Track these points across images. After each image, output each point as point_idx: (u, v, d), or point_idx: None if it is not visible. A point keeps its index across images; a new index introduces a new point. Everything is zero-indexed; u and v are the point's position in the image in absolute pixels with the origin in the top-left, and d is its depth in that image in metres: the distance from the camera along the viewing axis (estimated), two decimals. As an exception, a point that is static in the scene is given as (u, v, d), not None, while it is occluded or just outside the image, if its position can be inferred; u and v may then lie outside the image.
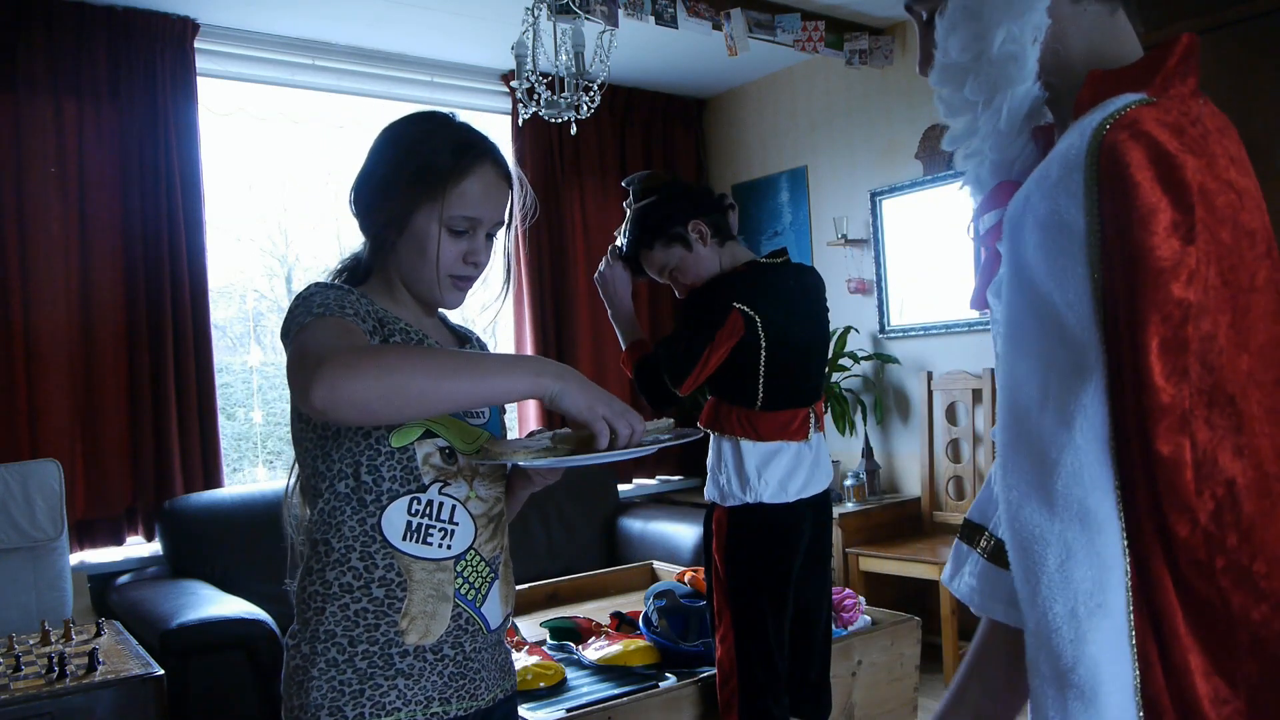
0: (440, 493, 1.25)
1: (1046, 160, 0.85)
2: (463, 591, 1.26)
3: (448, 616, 1.25)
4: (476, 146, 1.32)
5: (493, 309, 1.48)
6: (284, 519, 1.39)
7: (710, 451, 2.33)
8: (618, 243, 2.39)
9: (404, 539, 1.23)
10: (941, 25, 0.96)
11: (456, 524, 1.26)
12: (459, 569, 1.26)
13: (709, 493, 2.33)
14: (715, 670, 2.34)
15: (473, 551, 1.28)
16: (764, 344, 2.23)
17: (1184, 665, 0.78)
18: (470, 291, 1.38)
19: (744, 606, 2.25)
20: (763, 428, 2.26)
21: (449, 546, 1.25)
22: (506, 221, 1.38)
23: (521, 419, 4.56)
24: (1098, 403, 0.79)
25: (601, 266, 2.38)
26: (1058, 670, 0.78)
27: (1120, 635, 0.78)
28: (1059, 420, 0.80)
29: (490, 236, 1.35)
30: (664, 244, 2.32)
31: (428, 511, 1.24)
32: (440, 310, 1.42)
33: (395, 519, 1.23)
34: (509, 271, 1.44)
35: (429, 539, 1.24)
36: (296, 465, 1.36)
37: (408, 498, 1.23)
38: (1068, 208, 0.80)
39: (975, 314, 3.99)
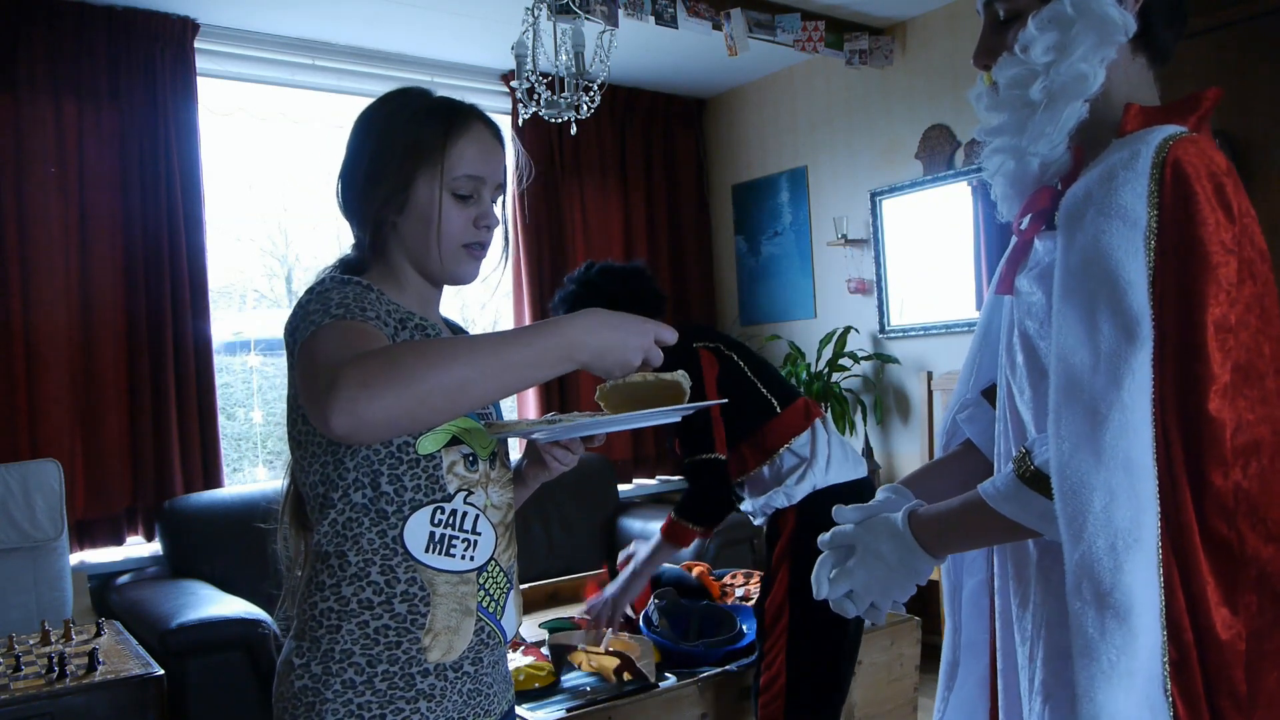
0: (465, 502, 1.19)
1: (1107, 166, 1.00)
2: (484, 604, 1.20)
3: (470, 631, 1.19)
4: (462, 108, 1.26)
5: (493, 278, 1.37)
6: (278, 546, 1.29)
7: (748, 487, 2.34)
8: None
9: (426, 551, 1.16)
10: (1033, 25, 1.08)
11: (479, 534, 1.20)
12: (481, 581, 1.20)
13: (757, 514, 2.31)
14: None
15: (493, 562, 1.22)
16: (736, 356, 2.29)
17: (1201, 594, 0.93)
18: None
19: (809, 609, 2.14)
20: (792, 422, 2.27)
21: (472, 558, 1.19)
22: (505, 185, 1.30)
23: (521, 414, 4.57)
24: (1146, 368, 0.93)
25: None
26: (1098, 594, 0.91)
27: (1151, 566, 0.92)
28: (1110, 381, 0.93)
29: (493, 200, 1.28)
30: None
31: (451, 521, 1.18)
32: (439, 304, 1.33)
33: (418, 530, 1.16)
34: (508, 239, 1.35)
35: (452, 550, 1.17)
36: (292, 479, 1.27)
37: (431, 507, 1.16)
38: (1133, 204, 0.96)
39: (975, 314, 3.99)
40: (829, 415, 2.45)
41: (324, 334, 1.06)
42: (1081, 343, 0.96)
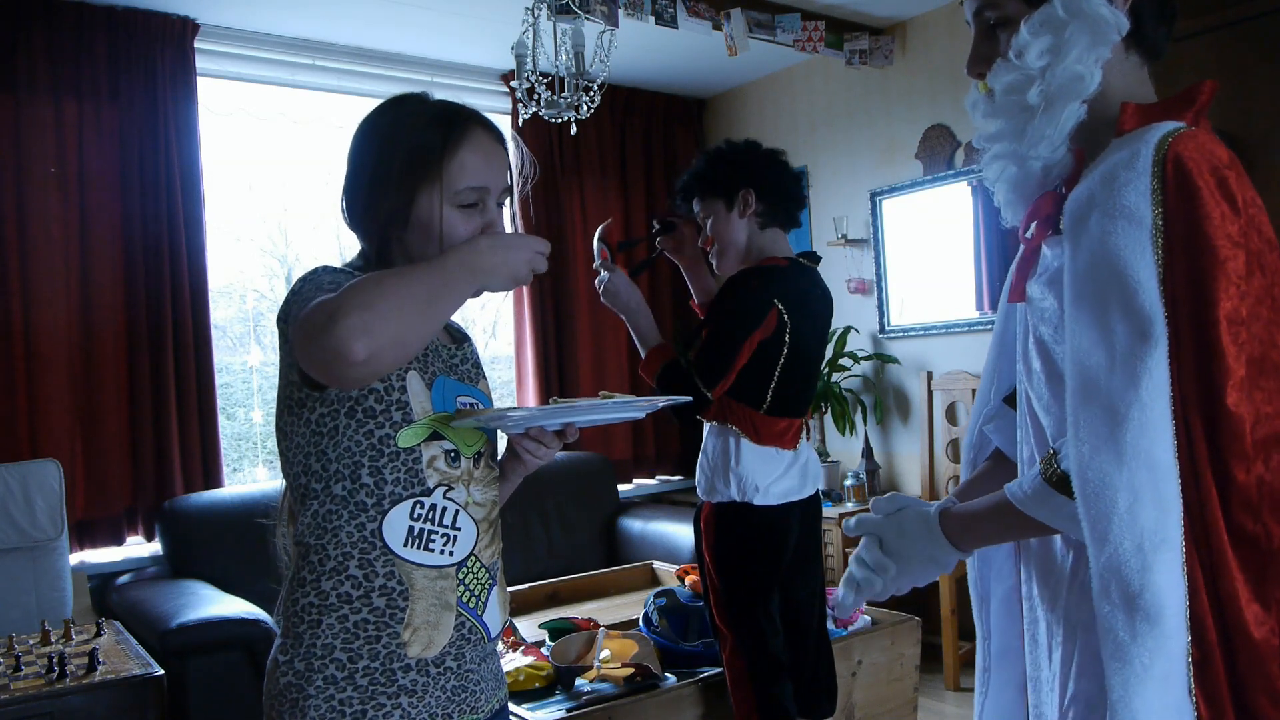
0: (445, 497, 1.19)
1: (1108, 167, 1.00)
2: (464, 599, 1.21)
3: (451, 626, 1.19)
4: (460, 115, 1.24)
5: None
6: (277, 548, 1.29)
7: (707, 443, 2.31)
8: (601, 261, 2.30)
9: (405, 545, 1.16)
10: (1025, 30, 1.08)
11: (459, 529, 1.20)
12: (461, 576, 1.20)
13: (699, 486, 2.33)
14: (723, 670, 2.33)
15: (473, 558, 1.22)
16: (786, 349, 2.21)
17: (1232, 592, 0.92)
18: None
19: (738, 605, 2.25)
20: (764, 432, 2.24)
21: (451, 553, 1.19)
22: (511, 187, 1.29)
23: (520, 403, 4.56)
24: (1162, 367, 0.93)
25: (601, 281, 2.26)
26: (1127, 596, 0.90)
27: (1177, 566, 0.91)
28: (1127, 381, 0.93)
29: (500, 204, 1.27)
30: (712, 194, 2.30)
31: (430, 516, 1.18)
32: None
33: (397, 524, 1.16)
34: None
35: (431, 545, 1.18)
36: (283, 475, 1.27)
37: (410, 502, 1.17)
38: (1137, 203, 0.96)
39: (975, 314, 3.99)
40: (804, 444, 2.37)
41: (316, 302, 1.08)
42: (1096, 344, 0.95)
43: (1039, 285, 1.11)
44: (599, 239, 2.30)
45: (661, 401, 1.28)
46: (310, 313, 1.04)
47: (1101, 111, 1.08)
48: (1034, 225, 1.13)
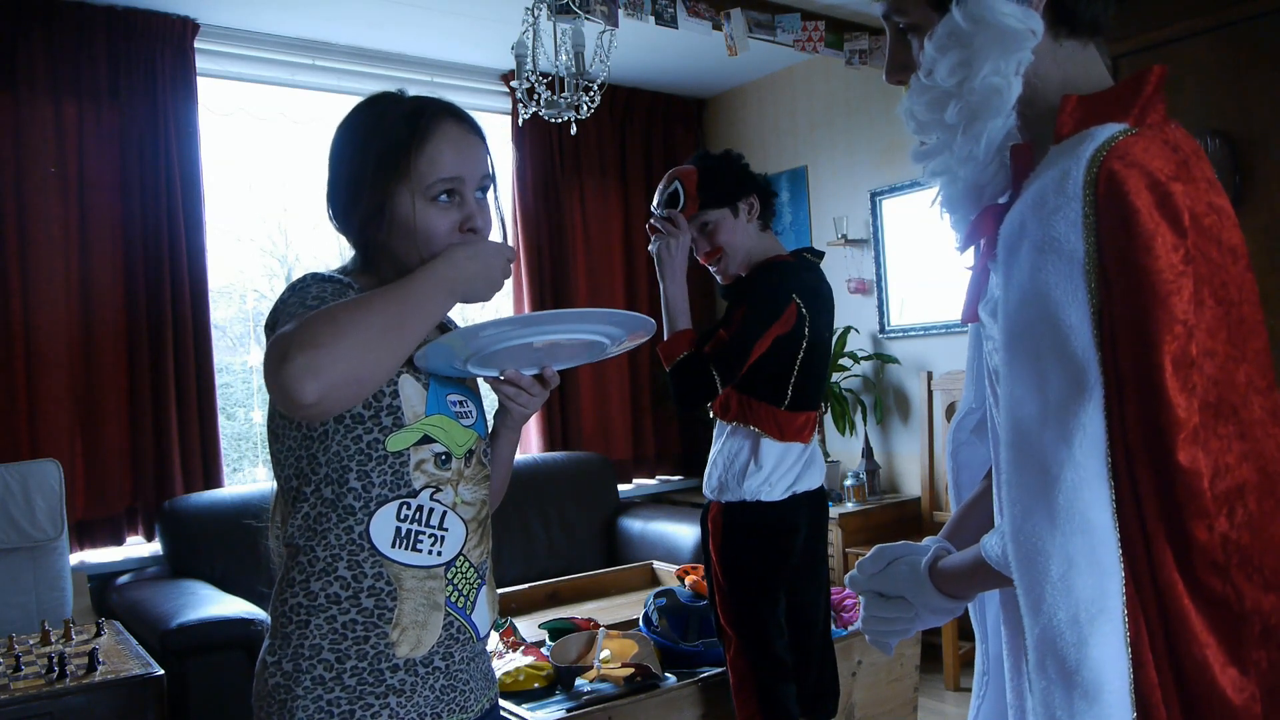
0: (431, 499, 1.19)
1: (1039, 187, 0.90)
2: (453, 599, 1.20)
3: (439, 626, 1.19)
4: (430, 107, 1.22)
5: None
6: (269, 543, 1.28)
7: (726, 445, 2.31)
8: (656, 207, 2.31)
9: (393, 546, 1.16)
10: (930, 46, 0.99)
11: (446, 530, 1.20)
12: (449, 576, 1.20)
13: (708, 486, 2.33)
14: (726, 670, 2.33)
15: (462, 557, 1.22)
16: (805, 343, 2.25)
17: (1201, 659, 0.84)
18: None
19: (745, 606, 2.26)
20: (786, 428, 2.26)
21: (439, 553, 1.19)
22: (493, 175, 1.26)
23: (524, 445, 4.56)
24: (1096, 420, 0.84)
25: (658, 240, 2.27)
26: (1064, 672, 0.83)
27: (1118, 638, 0.84)
28: (1059, 437, 0.85)
29: (483, 192, 1.25)
30: (717, 205, 2.33)
31: (417, 517, 1.18)
32: None
33: (383, 525, 1.16)
34: (505, 233, 1.32)
35: (418, 545, 1.18)
36: (275, 476, 1.26)
37: (396, 503, 1.17)
38: (1067, 234, 0.86)
39: (975, 314, 3.99)
40: (814, 437, 2.39)
41: (277, 334, 1.06)
42: (1029, 393, 0.88)
43: (987, 312, 1.03)
44: (679, 182, 2.30)
45: (629, 342, 1.28)
46: (270, 345, 1.03)
47: (1043, 105, 0.98)
48: (978, 246, 1.04)
